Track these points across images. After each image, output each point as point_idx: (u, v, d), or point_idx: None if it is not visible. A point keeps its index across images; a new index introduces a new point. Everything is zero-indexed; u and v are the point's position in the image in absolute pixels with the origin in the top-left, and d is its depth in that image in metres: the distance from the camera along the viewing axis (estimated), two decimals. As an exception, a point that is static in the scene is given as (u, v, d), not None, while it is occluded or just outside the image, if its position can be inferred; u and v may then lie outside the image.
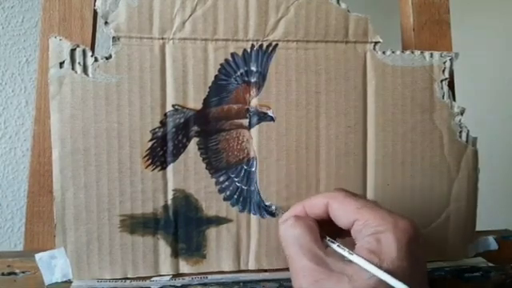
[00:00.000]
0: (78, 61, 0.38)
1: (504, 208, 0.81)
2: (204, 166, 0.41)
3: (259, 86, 0.41)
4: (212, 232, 0.41)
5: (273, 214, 0.42)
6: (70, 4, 0.40)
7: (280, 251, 0.42)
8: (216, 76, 0.40)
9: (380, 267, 0.28)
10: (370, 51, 0.42)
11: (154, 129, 0.40)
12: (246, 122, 0.41)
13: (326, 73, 0.42)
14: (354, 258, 0.29)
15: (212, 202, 0.41)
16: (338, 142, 0.42)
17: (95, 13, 0.40)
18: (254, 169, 0.41)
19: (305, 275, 0.30)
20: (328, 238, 0.32)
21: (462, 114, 0.44)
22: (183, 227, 0.41)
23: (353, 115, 0.42)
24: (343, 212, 0.32)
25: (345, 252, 0.30)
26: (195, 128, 0.40)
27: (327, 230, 0.33)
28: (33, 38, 0.66)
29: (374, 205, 0.31)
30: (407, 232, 0.29)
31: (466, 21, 0.71)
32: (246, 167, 0.41)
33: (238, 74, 0.41)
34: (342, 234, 0.33)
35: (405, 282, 0.27)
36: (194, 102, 0.40)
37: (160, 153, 0.40)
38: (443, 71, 0.43)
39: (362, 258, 0.29)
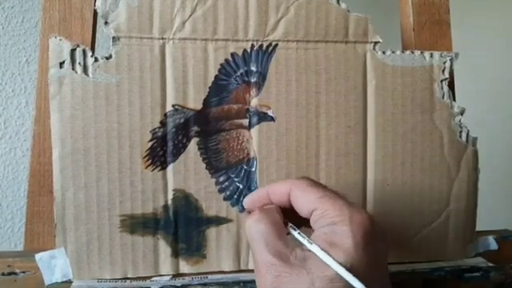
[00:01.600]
0: (78, 61, 0.38)
1: (504, 208, 0.82)
2: (204, 166, 0.41)
3: (259, 85, 0.41)
4: (212, 232, 0.41)
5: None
6: (70, 4, 0.40)
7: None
8: (216, 76, 0.40)
9: (335, 259, 0.28)
10: (370, 51, 0.42)
11: (154, 129, 0.40)
12: (246, 121, 0.41)
13: (326, 73, 0.42)
14: (313, 247, 0.29)
15: (212, 202, 0.41)
16: (338, 142, 0.42)
17: (95, 13, 0.40)
18: (254, 169, 0.41)
19: (268, 270, 0.30)
20: (290, 225, 0.33)
21: (461, 114, 0.44)
22: (183, 227, 0.41)
23: (353, 115, 0.42)
24: (304, 200, 0.32)
25: (304, 240, 0.30)
26: (195, 128, 0.40)
27: (290, 216, 0.33)
28: (33, 38, 0.66)
29: (334, 195, 0.32)
30: (363, 225, 0.29)
31: (465, 21, 0.71)
32: (246, 167, 0.41)
33: (238, 74, 0.41)
34: (303, 223, 0.33)
35: (359, 276, 0.28)
36: (194, 102, 0.40)
37: (160, 153, 0.40)
38: (443, 71, 0.43)
39: (320, 248, 0.29)
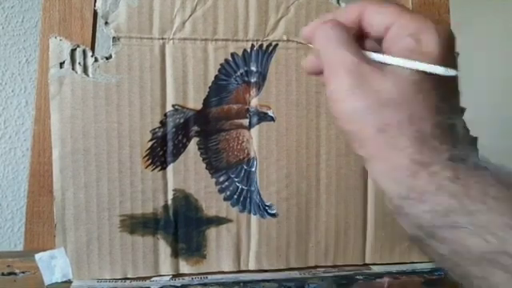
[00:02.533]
0: (78, 61, 0.38)
1: (504, 208, 0.81)
2: (204, 165, 0.41)
3: (259, 85, 0.41)
4: (212, 232, 0.41)
5: (273, 215, 0.42)
6: (70, 4, 0.40)
7: (280, 252, 0.42)
8: (216, 76, 0.40)
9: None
10: (370, 51, 0.42)
11: (154, 129, 0.40)
12: (246, 121, 0.41)
13: (326, 73, 0.42)
14: (394, 59, 0.27)
15: (212, 202, 0.41)
16: (338, 142, 0.42)
17: (95, 13, 0.40)
18: (254, 169, 0.41)
19: (348, 70, 0.27)
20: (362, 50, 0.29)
21: (462, 114, 0.44)
22: (183, 227, 0.41)
23: (353, 115, 0.42)
24: (381, 15, 0.29)
25: (384, 57, 0.28)
26: (195, 128, 0.40)
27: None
28: (33, 38, 0.66)
29: (406, 8, 0.29)
30: (449, 36, 0.28)
31: (466, 21, 0.71)
32: (246, 167, 0.41)
33: (238, 74, 0.41)
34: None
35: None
36: (194, 102, 0.40)
37: (160, 153, 0.40)
38: (443, 71, 0.43)
39: (402, 58, 0.27)
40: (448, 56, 0.27)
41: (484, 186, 0.24)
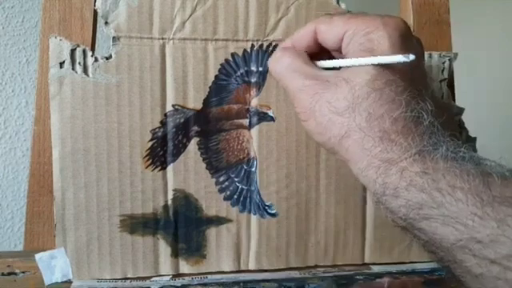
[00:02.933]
0: (78, 61, 0.38)
1: (504, 208, 0.81)
2: (204, 165, 0.41)
3: (259, 85, 0.41)
4: (212, 232, 0.41)
5: (273, 215, 0.42)
6: (70, 4, 0.40)
7: (280, 251, 0.42)
8: (216, 76, 0.40)
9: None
10: (370, 51, 0.42)
11: (154, 129, 0.40)
12: (246, 121, 0.41)
13: (326, 73, 0.42)
14: (347, 61, 0.28)
15: (212, 202, 0.41)
16: (338, 142, 0.42)
17: (95, 13, 0.40)
18: (254, 169, 0.41)
19: (303, 91, 0.30)
20: (317, 62, 0.32)
21: (461, 114, 0.44)
22: (183, 227, 0.41)
23: (353, 115, 0.42)
24: (332, 29, 0.31)
25: (338, 61, 0.29)
26: (195, 128, 0.40)
27: (316, 59, 0.33)
28: (33, 38, 0.66)
29: (361, 13, 0.31)
30: (398, 27, 0.29)
31: (466, 21, 0.71)
32: (246, 167, 0.41)
33: (238, 74, 0.41)
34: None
35: (399, 72, 0.27)
36: (194, 102, 0.40)
37: (160, 153, 0.40)
38: (442, 71, 0.43)
39: (355, 58, 0.28)
40: (402, 45, 0.28)
41: (452, 179, 0.25)
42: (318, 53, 0.33)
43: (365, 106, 0.28)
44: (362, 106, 0.28)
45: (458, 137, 0.28)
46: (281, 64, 0.32)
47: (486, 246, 0.23)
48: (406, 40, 0.29)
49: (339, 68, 0.30)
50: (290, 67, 0.31)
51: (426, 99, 0.28)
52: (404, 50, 0.28)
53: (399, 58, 0.27)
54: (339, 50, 0.31)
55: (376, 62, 0.28)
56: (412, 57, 0.27)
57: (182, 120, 0.40)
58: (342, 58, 0.30)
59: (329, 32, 0.31)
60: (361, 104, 0.28)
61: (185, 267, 0.41)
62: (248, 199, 0.41)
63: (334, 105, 0.28)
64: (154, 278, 0.40)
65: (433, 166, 0.26)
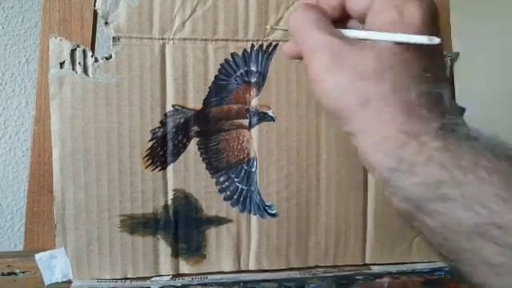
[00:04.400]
0: (78, 61, 0.38)
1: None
2: (204, 166, 0.41)
3: (259, 85, 0.41)
4: (212, 232, 0.41)
5: (273, 215, 0.42)
6: (70, 4, 0.40)
7: (280, 251, 0.42)
8: (216, 76, 0.40)
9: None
10: (370, 51, 0.42)
11: (154, 129, 0.40)
12: (246, 122, 0.41)
13: (326, 73, 0.42)
14: (377, 34, 0.27)
15: (212, 202, 0.41)
16: (338, 142, 0.42)
17: (95, 13, 0.40)
18: (254, 169, 0.41)
19: (324, 48, 0.27)
20: (342, 31, 0.29)
21: (462, 114, 0.44)
22: (183, 227, 0.41)
23: (353, 115, 0.42)
24: None
25: (364, 33, 0.27)
26: (195, 128, 0.40)
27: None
28: (33, 38, 0.66)
29: None
30: (431, 6, 0.27)
31: (466, 21, 0.71)
32: (246, 167, 0.41)
33: (238, 74, 0.41)
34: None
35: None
36: (194, 102, 0.40)
37: (160, 153, 0.40)
38: (443, 71, 0.43)
39: (384, 31, 0.27)
40: (431, 26, 0.27)
41: (475, 157, 0.24)
42: (339, 21, 0.30)
43: (391, 75, 0.26)
44: (388, 74, 0.26)
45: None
46: (304, 17, 0.29)
47: (509, 232, 0.22)
48: (436, 21, 0.28)
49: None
50: (314, 21, 0.28)
51: (445, 82, 0.28)
52: (433, 29, 0.27)
53: (428, 40, 0.26)
54: (362, 20, 0.29)
55: (406, 41, 0.27)
56: (438, 40, 0.26)
57: (182, 120, 0.40)
58: (364, 30, 0.28)
59: None
60: (388, 71, 0.26)
61: (185, 267, 0.41)
62: (248, 199, 0.41)
63: (359, 68, 0.26)
64: (153, 278, 0.40)
65: (455, 143, 0.24)
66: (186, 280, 0.40)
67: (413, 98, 0.26)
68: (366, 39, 0.28)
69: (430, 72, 0.27)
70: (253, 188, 0.41)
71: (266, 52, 0.41)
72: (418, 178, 0.25)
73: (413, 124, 0.25)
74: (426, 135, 0.25)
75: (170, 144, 0.40)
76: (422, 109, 0.26)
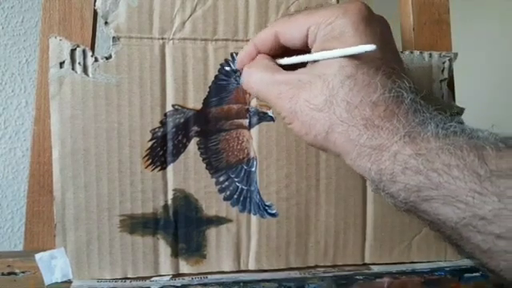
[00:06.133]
0: (78, 61, 0.38)
1: (504, 208, 0.81)
2: (204, 165, 0.41)
3: (259, 86, 0.41)
4: (212, 232, 0.41)
5: (273, 215, 0.42)
6: (70, 4, 0.40)
7: (279, 251, 0.42)
8: (216, 76, 0.40)
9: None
10: (370, 51, 0.42)
11: (154, 129, 0.40)
12: (246, 121, 0.41)
13: (326, 73, 0.42)
14: (315, 55, 0.28)
15: (212, 202, 0.41)
16: (338, 142, 0.42)
17: (95, 13, 0.40)
18: (254, 169, 0.41)
19: (280, 99, 0.29)
20: (283, 60, 0.31)
21: (461, 113, 0.44)
22: (183, 227, 0.41)
23: (353, 115, 0.42)
24: (293, 28, 0.30)
25: (305, 56, 0.29)
26: (195, 128, 0.40)
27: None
28: (33, 38, 0.66)
29: (319, 6, 0.31)
30: (359, 12, 0.28)
31: (466, 21, 0.71)
32: (246, 167, 0.41)
33: (238, 73, 0.41)
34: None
35: (368, 57, 0.27)
36: (194, 102, 0.40)
37: (160, 153, 0.40)
38: (442, 71, 0.43)
39: (322, 51, 0.28)
40: (366, 28, 0.28)
41: (446, 157, 0.25)
42: (285, 53, 0.32)
43: (342, 96, 0.27)
44: (338, 97, 0.27)
45: (444, 109, 0.28)
46: (252, 81, 0.32)
47: (490, 221, 0.23)
48: (370, 22, 0.28)
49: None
50: (261, 81, 0.31)
51: (402, 76, 0.28)
52: (369, 32, 0.28)
53: (361, 49, 0.27)
54: (306, 48, 0.31)
55: (338, 55, 0.27)
56: (372, 47, 0.26)
57: (182, 120, 0.40)
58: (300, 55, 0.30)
59: (291, 32, 0.31)
60: (337, 95, 0.27)
61: (185, 267, 0.41)
62: (248, 199, 0.41)
63: (313, 102, 0.28)
64: (154, 278, 0.40)
65: (425, 146, 0.25)
66: (186, 280, 0.40)
67: (368, 111, 0.27)
68: (301, 61, 0.29)
69: (380, 71, 0.27)
70: (253, 188, 0.41)
71: (266, 52, 0.41)
72: (400, 185, 0.26)
73: (379, 137, 0.27)
74: (395, 145, 0.26)
75: (169, 144, 0.40)
76: (382, 119, 0.27)
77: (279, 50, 0.32)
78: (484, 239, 0.24)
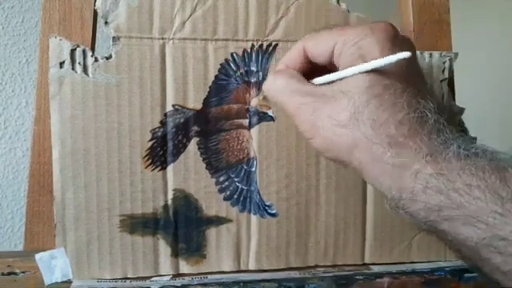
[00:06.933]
0: (78, 61, 0.38)
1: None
2: (204, 166, 0.41)
3: (259, 85, 0.41)
4: (212, 232, 0.41)
5: (273, 215, 0.42)
6: (70, 4, 0.40)
7: (279, 251, 0.42)
8: (216, 76, 0.40)
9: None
10: (370, 51, 0.42)
11: (154, 129, 0.40)
12: (246, 121, 0.41)
13: (326, 73, 0.42)
14: (342, 73, 0.28)
15: (212, 202, 0.41)
16: (338, 142, 0.42)
17: (95, 13, 0.40)
18: (254, 169, 0.41)
19: (302, 110, 0.29)
20: (312, 80, 0.31)
21: (461, 113, 0.44)
22: (183, 227, 0.41)
23: (353, 115, 0.42)
24: (320, 44, 0.31)
25: (332, 75, 0.29)
26: (195, 128, 0.40)
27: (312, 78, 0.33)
28: (33, 38, 0.66)
29: (347, 26, 0.32)
30: (385, 31, 0.29)
31: (466, 21, 0.71)
32: (246, 167, 0.41)
33: (238, 73, 0.41)
34: None
35: (393, 76, 0.27)
36: (194, 102, 0.40)
37: (160, 153, 0.40)
38: (442, 71, 0.43)
39: (348, 68, 0.28)
40: (392, 47, 0.28)
41: (467, 177, 0.25)
42: (313, 71, 0.32)
43: (367, 114, 0.27)
44: (364, 115, 0.27)
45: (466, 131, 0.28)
46: (275, 86, 0.32)
47: (511, 242, 0.23)
48: (395, 41, 0.29)
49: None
50: (285, 88, 0.31)
51: (426, 97, 0.28)
52: (394, 51, 0.28)
53: (391, 59, 0.27)
54: (331, 65, 0.31)
55: (370, 68, 0.27)
56: (404, 54, 0.27)
57: (182, 120, 0.40)
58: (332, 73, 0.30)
59: (318, 48, 0.31)
60: (363, 112, 0.27)
61: (185, 267, 0.41)
62: (248, 199, 0.41)
63: (336, 118, 0.28)
64: (154, 278, 0.40)
65: (447, 166, 0.26)
66: (186, 280, 0.40)
67: (393, 130, 0.27)
68: (334, 80, 0.29)
69: (405, 92, 0.28)
70: (253, 188, 0.41)
71: (266, 52, 0.41)
72: (420, 204, 0.26)
73: (403, 156, 0.27)
74: (417, 164, 0.26)
75: (169, 144, 0.40)
76: (406, 138, 0.27)
77: (307, 68, 0.32)
78: (505, 260, 0.24)
